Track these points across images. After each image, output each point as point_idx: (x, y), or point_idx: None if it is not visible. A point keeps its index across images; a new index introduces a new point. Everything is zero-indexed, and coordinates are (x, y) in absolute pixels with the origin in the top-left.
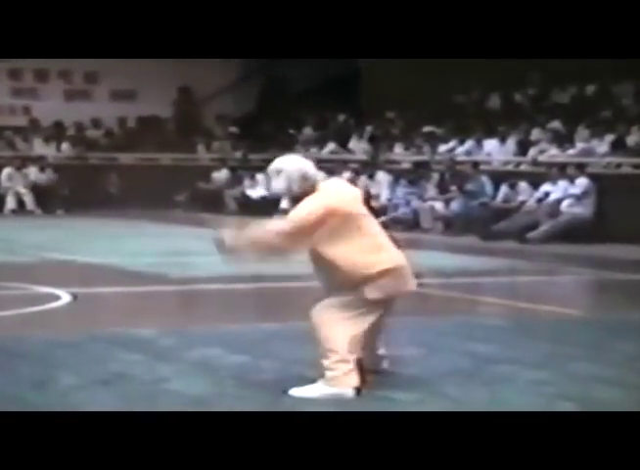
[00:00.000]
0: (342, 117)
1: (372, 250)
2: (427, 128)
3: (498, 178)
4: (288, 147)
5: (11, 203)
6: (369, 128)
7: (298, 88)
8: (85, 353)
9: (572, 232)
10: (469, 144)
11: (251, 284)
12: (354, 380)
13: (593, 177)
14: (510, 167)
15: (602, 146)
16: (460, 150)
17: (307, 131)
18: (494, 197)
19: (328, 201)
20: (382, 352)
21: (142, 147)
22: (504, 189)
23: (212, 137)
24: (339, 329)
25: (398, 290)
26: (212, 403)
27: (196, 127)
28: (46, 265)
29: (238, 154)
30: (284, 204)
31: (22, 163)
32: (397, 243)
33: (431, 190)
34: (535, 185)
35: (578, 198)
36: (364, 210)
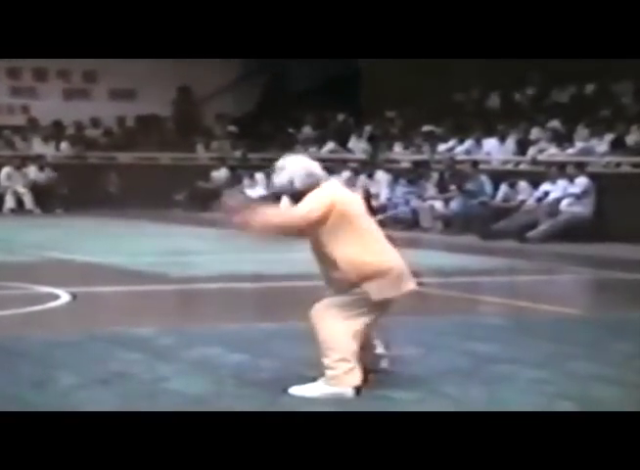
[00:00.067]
0: (341, 117)
1: (371, 251)
2: (426, 128)
3: (498, 177)
4: (287, 146)
5: (10, 202)
6: (368, 128)
7: (298, 88)
8: (85, 353)
9: (572, 231)
10: (468, 143)
11: (250, 283)
12: (355, 379)
13: (593, 176)
14: (509, 167)
15: (601, 145)
16: (459, 149)
17: (307, 130)
18: (494, 196)
19: (333, 194)
20: (380, 351)
21: (141, 146)
22: (503, 188)
23: (212, 136)
24: (339, 328)
25: (400, 291)
26: (212, 403)
27: (195, 127)
28: (45, 265)
29: (237, 153)
30: (284, 203)
31: (21, 162)
32: (394, 242)
33: (430, 189)
34: (535, 184)
35: (578, 197)
36: (364, 211)
